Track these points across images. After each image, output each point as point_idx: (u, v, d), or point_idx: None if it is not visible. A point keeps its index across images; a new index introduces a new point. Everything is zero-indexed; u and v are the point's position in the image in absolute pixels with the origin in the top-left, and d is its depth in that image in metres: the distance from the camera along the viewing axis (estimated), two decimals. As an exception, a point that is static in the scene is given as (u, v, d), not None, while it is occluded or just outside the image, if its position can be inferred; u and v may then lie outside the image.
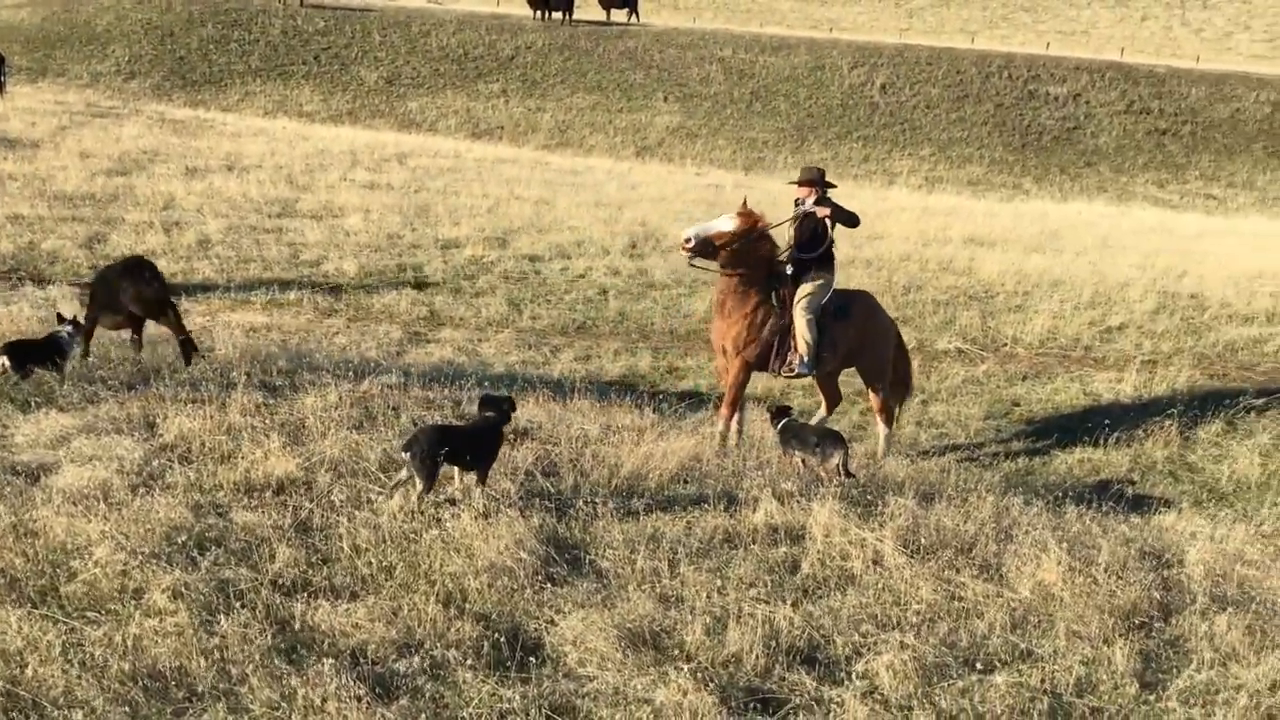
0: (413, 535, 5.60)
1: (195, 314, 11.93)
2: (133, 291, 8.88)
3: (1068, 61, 47.00)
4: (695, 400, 11.04)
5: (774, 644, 4.83)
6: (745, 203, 9.71)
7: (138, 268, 9.09)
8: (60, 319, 8.20)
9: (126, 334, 9.32)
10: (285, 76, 40.32)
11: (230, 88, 39.22)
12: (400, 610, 4.88)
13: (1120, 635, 5.14)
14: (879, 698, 4.53)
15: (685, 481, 6.96)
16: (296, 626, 4.71)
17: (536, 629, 4.92)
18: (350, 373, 8.41)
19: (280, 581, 5.06)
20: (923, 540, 6.06)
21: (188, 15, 43.33)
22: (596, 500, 6.30)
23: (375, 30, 43.89)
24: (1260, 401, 11.27)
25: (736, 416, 9.70)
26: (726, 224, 9.49)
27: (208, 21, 43.17)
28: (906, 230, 20.72)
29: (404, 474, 5.99)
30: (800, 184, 9.99)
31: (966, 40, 56.42)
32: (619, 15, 47.98)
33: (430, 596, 4.98)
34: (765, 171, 35.34)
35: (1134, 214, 31.53)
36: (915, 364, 11.77)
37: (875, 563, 5.74)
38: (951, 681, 4.69)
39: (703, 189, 26.59)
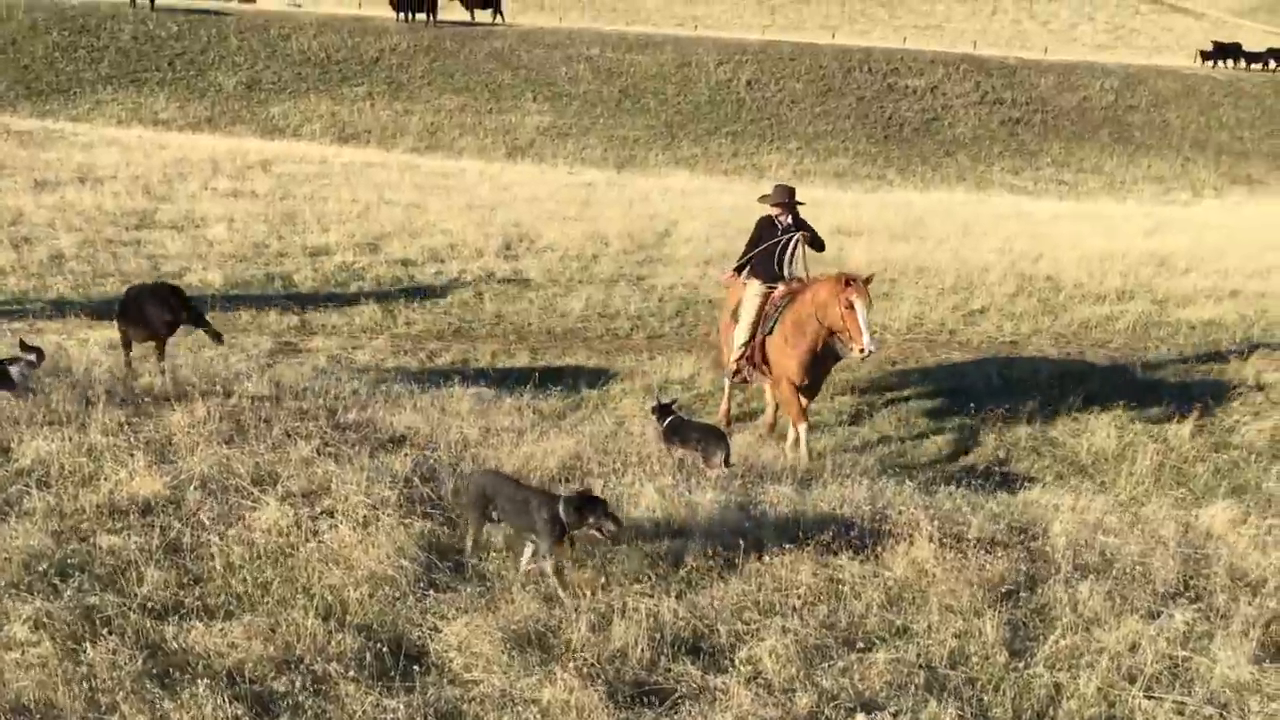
0: (289, 549, 5.48)
1: (50, 332, 11.44)
2: (158, 316, 9.89)
3: (924, 55, 48.42)
4: (574, 400, 11.03)
5: (659, 636, 4.87)
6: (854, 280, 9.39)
7: (165, 293, 10.16)
8: (24, 346, 7.88)
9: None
10: (138, 84, 38.89)
11: (80, 97, 37.64)
12: (278, 627, 4.77)
13: (990, 607, 5.33)
14: (762, 682, 4.61)
15: (567, 480, 6.97)
16: (169, 650, 4.57)
17: (420, 637, 4.86)
18: (218, 386, 8.18)
19: (150, 605, 4.90)
20: (802, 526, 6.18)
21: (31, 23, 41.42)
22: (477, 504, 6.27)
23: (232, 34, 42.66)
24: (1114, 376, 11.80)
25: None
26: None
27: (53, 28, 41.34)
28: (776, 223, 21.05)
29: None
30: (773, 204, 10.18)
31: (827, 36, 57.63)
32: (483, 15, 47.63)
33: (309, 611, 4.88)
34: (637, 169, 35.54)
35: (992, 201, 32.71)
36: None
37: (756, 550, 5.84)
38: (832, 662, 4.81)
39: (576, 188, 26.62)
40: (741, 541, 5.90)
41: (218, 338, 10.66)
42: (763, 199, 10.47)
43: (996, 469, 9.99)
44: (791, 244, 10.07)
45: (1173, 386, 12.13)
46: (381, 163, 28.61)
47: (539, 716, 4.28)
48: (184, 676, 4.35)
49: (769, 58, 45.57)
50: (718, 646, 4.94)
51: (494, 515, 5.59)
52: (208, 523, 5.64)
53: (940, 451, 10.46)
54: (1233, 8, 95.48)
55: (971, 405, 11.09)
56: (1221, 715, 4.49)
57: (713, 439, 7.87)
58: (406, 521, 5.86)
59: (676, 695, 4.50)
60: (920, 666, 4.80)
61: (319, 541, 5.57)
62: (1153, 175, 42.08)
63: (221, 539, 5.48)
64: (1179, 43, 64.85)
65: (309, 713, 4.25)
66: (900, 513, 6.62)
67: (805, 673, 4.68)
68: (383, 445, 7.35)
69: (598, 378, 11.66)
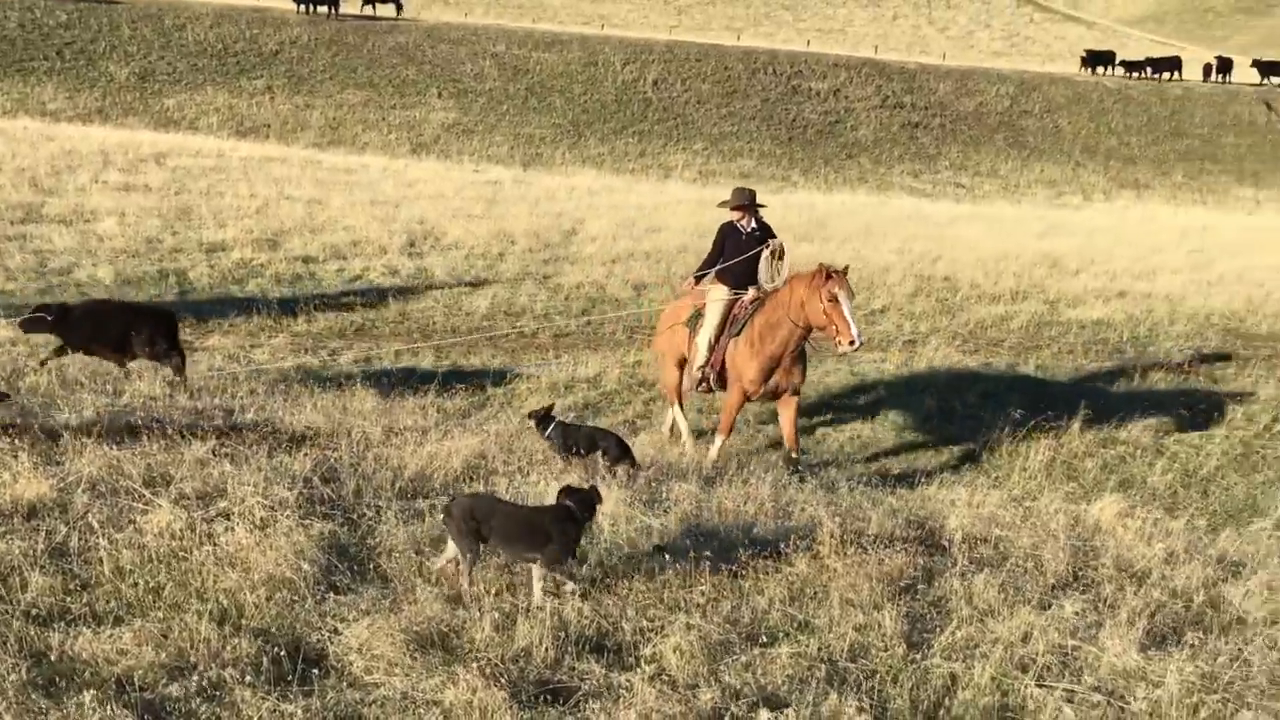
0: (182, 553, 5.33)
1: (-72, 330, 10.97)
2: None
3: (827, 58, 49.18)
4: (480, 399, 10.95)
5: (563, 635, 4.86)
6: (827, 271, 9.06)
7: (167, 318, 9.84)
8: None
9: None
10: (25, 73, 37.49)
11: (-39, 85, 36.17)
12: (170, 632, 4.63)
13: (889, 600, 5.42)
14: (667, 679, 4.63)
15: (471, 480, 6.91)
16: (54, 658, 4.41)
17: (319, 640, 4.77)
18: (108, 386, 7.93)
19: (34, 612, 4.72)
20: (706, 523, 6.22)
21: (-92, 6, 39.74)
22: (380, 504, 6.18)
23: (124, 23, 41.38)
24: (1008, 374, 12.13)
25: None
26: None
27: (-69, 13, 39.69)
28: (684, 223, 21.20)
29: None
30: (733, 207, 9.92)
31: (733, 37, 58.18)
32: (385, 9, 47.00)
33: (203, 615, 4.75)
34: (544, 167, 35.42)
35: (893, 203, 33.36)
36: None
37: (660, 548, 5.86)
38: (735, 657, 4.84)
39: (481, 185, 26.43)
40: (646, 539, 5.92)
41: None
42: (722, 204, 10.24)
43: (895, 465, 10.18)
44: (768, 253, 9.62)
45: (1064, 384, 12.51)
46: (282, 158, 28.02)
47: (441, 718, 4.23)
48: (70, 685, 4.20)
49: (675, 58, 45.82)
50: (622, 644, 4.94)
51: (486, 539, 5.32)
52: (97, 526, 5.45)
53: (841, 448, 10.63)
54: (1121, 17, 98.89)
55: (873, 402, 11.29)
56: (1109, 702, 4.64)
57: (612, 441, 7.82)
58: (306, 523, 5.74)
59: (581, 693, 4.48)
60: (822, 660, 4.87)
61: (214, 544, 5.42)
62: (1046, 179, 43.35)
63: (111, 543, 5.30)
64: (1071, 50, 66.84)
65: (203, 719, 4.14)
66: (803, 509, 6.71)
67: (709, 669, 4.70)
68: (281, 445, 7.20)
69: (503, 376, 11.59)
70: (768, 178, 38.43)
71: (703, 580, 5.55)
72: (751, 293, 9.65)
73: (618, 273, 15.90)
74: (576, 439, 7.58)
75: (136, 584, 5.02)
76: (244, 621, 4.82)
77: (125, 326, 9.48)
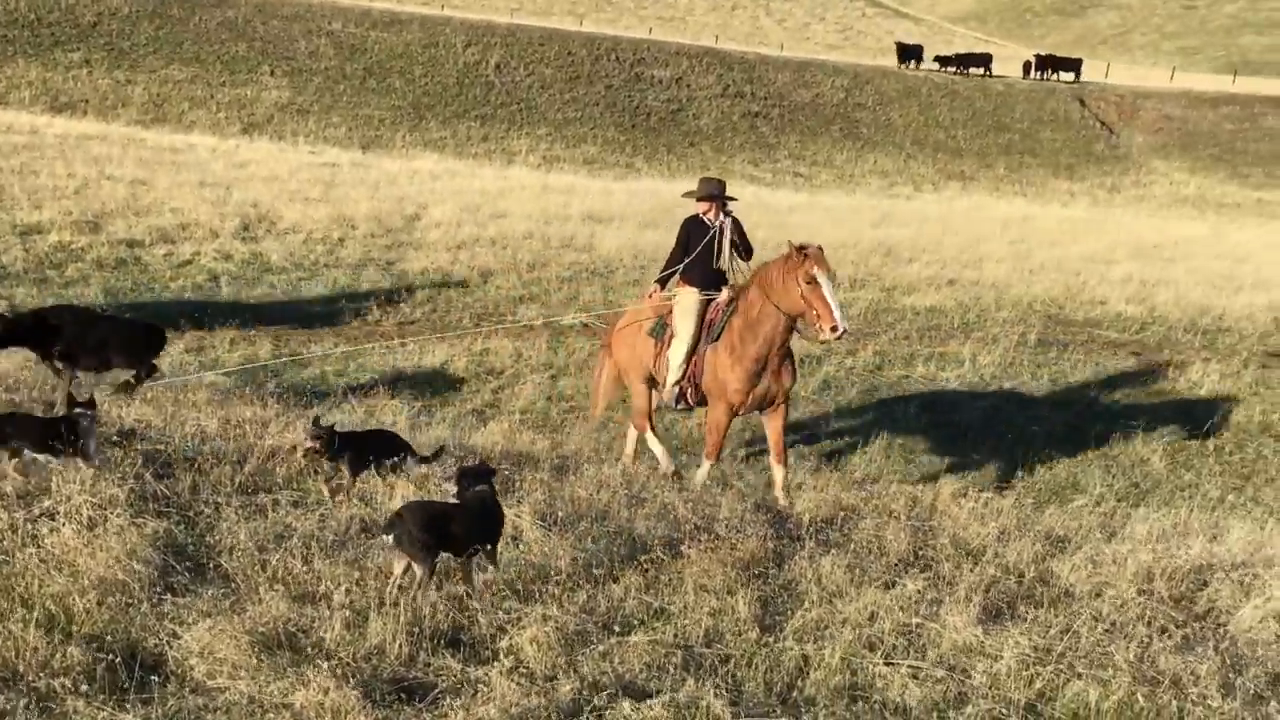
0: (3, 556, 4.99)
1: None
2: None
3: (670, 46, 49.60)
4: (322, 389, 10.64)
5: (418, 631, 4.75)
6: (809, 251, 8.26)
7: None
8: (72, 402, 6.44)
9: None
10: None
11: None
12: (-8, 642, 4.34)
13: (741, 585, 5.50)
14: (524, 671, 4.58)
15: (316, 473, 6.69)
16: None
17: (157, 645, 4.54)
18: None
19: None
20: (559, 512, 6.19)
21: None
22: (219, 500, 5.93)
23: (-76, -12, 38.58)
24: (850, 362, 12.49)
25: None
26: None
27: None
28: (528, 208, 21.09)
29: None
30: (699, 198, 8.96)
31: (575, 22, 58.06)
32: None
33: (29, 622, 4.46)
34: (383, 150, 34.64)
35: (734, 191, 33.84)
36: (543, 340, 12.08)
37: (514, 539, 5.80)
38: (592, 646, 4.83)
39: (319, 168, 25.65)
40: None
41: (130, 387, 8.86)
42: (686, 195, 9.33)
43: (742, 450, 10.36)
44: (727, 243, 8.83)
45: (900, 370, 12.95)
46: (101, 135, 26.59)
47: (291, 721, 4.08)
48: (-121, 704, 3.89)
49: (518, 42, 45.43)
50: (478, 638, 4.87)
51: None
52: (-95, 531, 5.07)
53: (691, 435, 10.74)
54: (947, 14, 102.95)
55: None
56: (951, 677, 4.82)
57: (396, 444, 6.79)
58: (139, 521, 5.45)
59: (437, 690, 4.39)
60: (678, 646, 4.90)
61: (39, 546, 5.11)
62: (878, 170, 44.78)
63: (-78, 548, 4.93)
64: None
65: (31, 734, 3.89)
66: (654, 495, 6.75)
67: (567, 659, 4.68)
68: (109, 439, 6.83)
69: (346, 365, 11.29)
70: (612, 164, 38.57)
71: (558, 570, 5.52)
72: (725, 294, 8.68)
73: (463, 259, 15.67)
74: (357, 447, 6.47)
75: (-48, 592, 4.68)
76: (74, 628, 4.55)
77: None
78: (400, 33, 43.90)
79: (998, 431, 11.35)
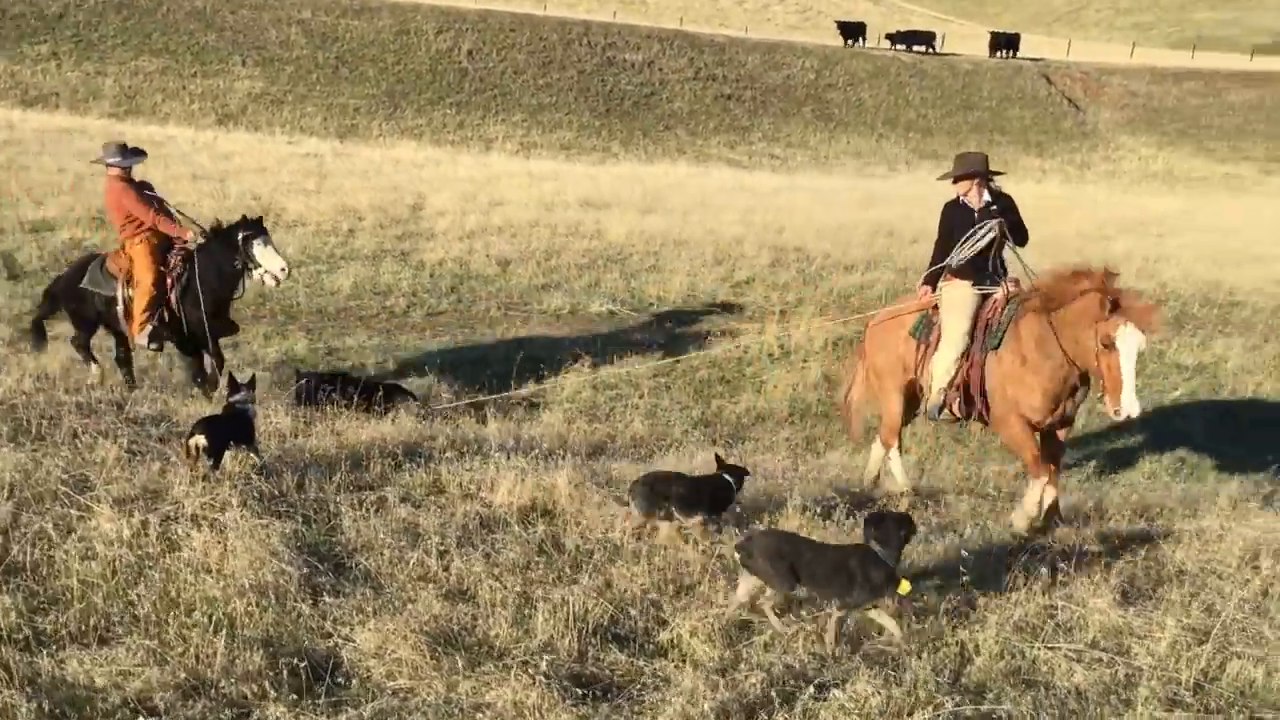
0: (148, 561, 4.91)
1: None
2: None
3: (640, 30, 49.40)
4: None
5: (582, 627, 4.73)
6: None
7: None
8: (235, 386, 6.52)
9: None
10: None
11: None
12: (171, 648, 4.27)
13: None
14: (695, 662, 4.57)
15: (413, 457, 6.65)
16: (45, 683, 3.99)
17: (328, 647, 4.51)
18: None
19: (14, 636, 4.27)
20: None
21: None
22: (327, 497, 5.89)
23: (-120, -20, 37.57)
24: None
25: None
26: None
27: None
28: (524, 196, 20.95)
29: None
30: (957, 178, 7.71)
31: (539, 6, 57.64)
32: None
33: (205, 628, 4.39)
34: (360, 139, 34.23)
35: (714, 174, 33.81)
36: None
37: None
38: (756, 638, 4.84)
39: (302, 158, 25.33)
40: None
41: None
42: (943, 177, 8.03)
43: (795, 436, 10.39)
44: (998, 227, 7.50)
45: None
46: (79, 129, 26.06)
47: (493, 717, 4.05)
48: (84, 714, 3.81)
49: (489, 27, 45.04)
50: (636, 631, 4.86)
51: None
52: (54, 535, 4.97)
53: (739, 419, 10.76)
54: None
55: (760, 372, 11.45)
56: (1113, 659, 4.85)
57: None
58: (263, 522, 5.39)
59: (620, 684, 4.39)
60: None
61: (176, 549, 5.04)
62: (852, 150, 44.91)
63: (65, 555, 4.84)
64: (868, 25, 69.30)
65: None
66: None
67: (731, 652, 4.68)
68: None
69: (386, 359, 11.18)
70: (589, 149, 38.40)
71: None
72: (1003, 289, 7.46)
73: (478, 248, 15.54)
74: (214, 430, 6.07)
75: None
76: (241, 632, 4.50)
77: None
78: (371, 20, 43.37)
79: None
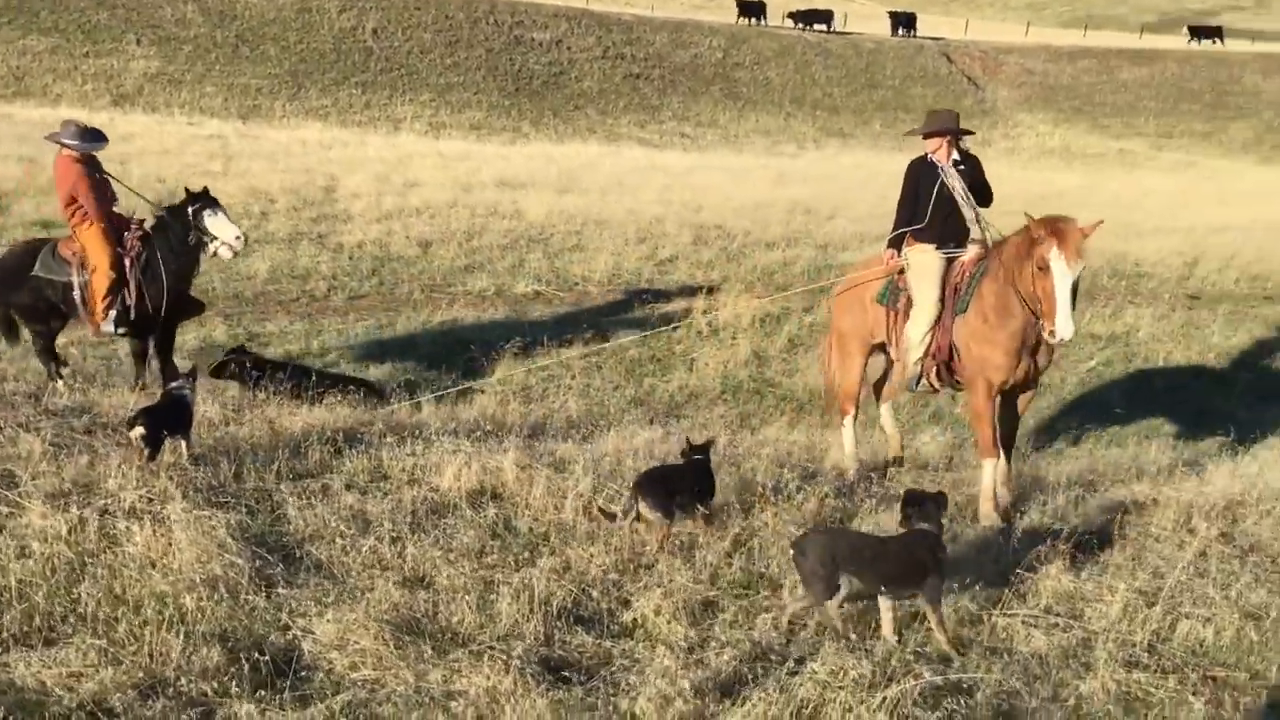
0: (87, 557, 4.70)
1: None
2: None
3: (547, 8, 48.88)
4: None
5: (546, 610, 4.67)
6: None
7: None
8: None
9: None
10: None
11: None
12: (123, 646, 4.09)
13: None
14: (664, 641, 4.54)
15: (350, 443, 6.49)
16: (-8, 695, 3.80)
17: (286, 640, 4.37)
18: None
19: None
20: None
21: None
22: (268, 487, 5.73)
23: None
24: (810, 319, 12.66)
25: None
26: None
27: None
28: (439, 177, 20.66)
29: None
30: (927, 135, 7.44)
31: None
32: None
33: (159, 624, 4.22)
34: (264, 120, 33.30)
35: (626, 153, 33.70)
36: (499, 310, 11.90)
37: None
38: (720, 615, 4.82)
39: (205, 140, 24.63)
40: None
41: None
42: (911, 133, 7.84)
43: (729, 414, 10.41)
44: (963, 187, 7.33)
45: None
46: (-36, 111, 24.98)
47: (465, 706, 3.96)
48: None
49: (394, 6, 44.13)
50: (600, 612, 4.81)
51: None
52: None
53: (671, 397, 10.75)
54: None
55: (691, 352, 11.45)
56: (1068, 623, 4.95)
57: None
58: (205, 513, 5.20)
59: (586, 666, 4.34)
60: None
61: (118, 543, 4.85)
62: (761, 129, 45.12)
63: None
64: (770, 3, 69.68)
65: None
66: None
67: (696, 630, 4.66)
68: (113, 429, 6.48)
69: (309, 344, 10.92)
70: (499, 129, 37.94)
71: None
72: (973, 250, 7.24)
73: (396, 230, 15.25)
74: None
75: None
76: (194, 627, 4.33)
77: None
78: (270, -3, 42.18)
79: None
